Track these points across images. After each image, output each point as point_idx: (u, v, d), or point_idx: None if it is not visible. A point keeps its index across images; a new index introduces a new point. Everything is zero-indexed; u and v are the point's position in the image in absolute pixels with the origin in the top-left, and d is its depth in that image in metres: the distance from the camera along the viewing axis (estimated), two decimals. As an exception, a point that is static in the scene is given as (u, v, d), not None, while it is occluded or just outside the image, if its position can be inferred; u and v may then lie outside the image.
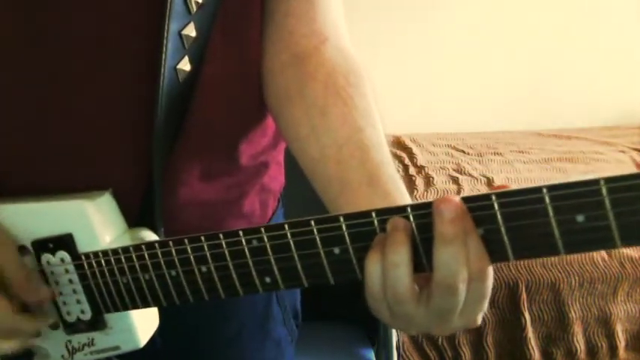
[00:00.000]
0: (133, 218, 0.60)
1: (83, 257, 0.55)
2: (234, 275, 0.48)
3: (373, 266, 0.43)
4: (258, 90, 0.64)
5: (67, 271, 0.56)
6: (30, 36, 0.55)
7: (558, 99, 2.67)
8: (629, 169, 2.10)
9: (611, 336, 1.62)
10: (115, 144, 0.60)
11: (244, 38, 0.61)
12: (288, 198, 0.82)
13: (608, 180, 0.37)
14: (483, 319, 1.83)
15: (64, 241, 0.56)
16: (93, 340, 0.59)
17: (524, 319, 1.60)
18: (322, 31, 0.61)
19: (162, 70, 0.55)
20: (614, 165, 2.12)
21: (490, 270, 0.43)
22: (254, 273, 0.47)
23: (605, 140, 2.39)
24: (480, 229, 0.41)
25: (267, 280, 0.47)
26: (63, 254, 0.56)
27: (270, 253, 0.46)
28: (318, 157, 0.57)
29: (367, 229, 0.43)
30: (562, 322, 1.61)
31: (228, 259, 0.48)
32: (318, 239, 0.44)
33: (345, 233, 0.44)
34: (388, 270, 0.42)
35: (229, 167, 0.66)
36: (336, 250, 0.44)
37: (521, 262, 1.61)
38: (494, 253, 0.41)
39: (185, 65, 0.57)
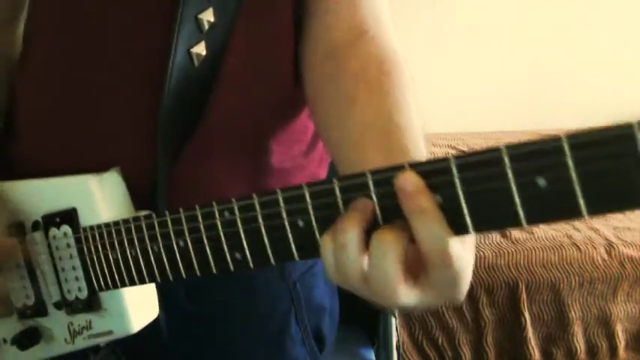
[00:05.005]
0: (144, 202, 0.61)
1: (81, 231, 0.57)
2: (207, 249, 0.48)
3: (326, 246, 0.41)
4: (283, 88, 0.64)
5: (68, 245, 0.58)
6: (63, 22, 0.58)
7: (558, 99, 2.67)
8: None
9: (611, 336, 1.62)
10: (128, 126, 0.61)
11: (270, 31, 0.61)
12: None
13: (572, 136, 0.32)
14: (483, 319, 1.82)
15: (69, 216, 0.58)
16: (90, 322, 0.60)
17: (524, 319, 1.60)
18: (361, 25, 0.60)
19: (173, 49, 0.56)
20: (614, 165, 2.12)
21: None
22: (225, 247, 0.47)
23: (605, 140, 2.39)
24: (438, 195, 0.37)
25: (238, 255, 0.47)
26: (66, 228, 0.58)
27: (239, 225, 0.46)
28: (341, 142, 0.56)
29: (329, 199, 0.41)
30: (562, 322, 1.61)
31: (202, 231, 0.48)
32: (283, 209, 0.43)
33: (309, 203, 0.42)
34: (337, 251, 0.41)
35: (252, 165, 0.65)
36: (300, 223, 0.43)
37: (521, 262, 1.61)
38: (453, 224, 0.37)
39: (201, 50, 0.57)
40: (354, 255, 0.40)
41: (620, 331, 1.63)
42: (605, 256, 1.63)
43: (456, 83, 2.63)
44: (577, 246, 1.65)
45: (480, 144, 2.40)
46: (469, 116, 2.66)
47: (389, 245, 0.39)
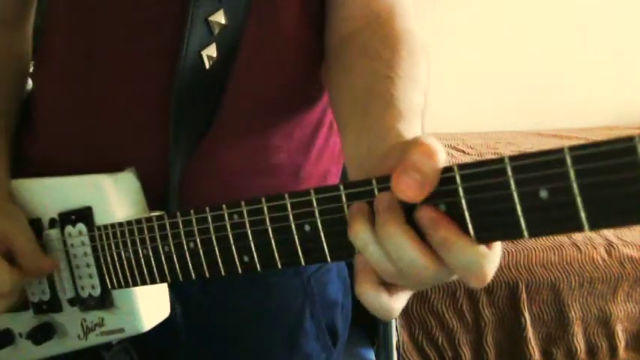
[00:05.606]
0: (157, 201, 0.61)
1: (96, 230, 0.58)
2: (216, 251, 0.49)
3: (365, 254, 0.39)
4: (295, 84, 0.64)
5: (83, 243, 0.59)
6: (76, 23, 0.59)
7: (558, 99, 2.68)
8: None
9: (611, 336, 1.62)
10: (141, 126, 0.61)
11: (281, 29, 0.61)
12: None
13: (573, 148, 0.33)
14: (483, 319, 1.81)
15: (84, 214, 0.59)
16: (103, 319, 0.61)
17: (524, 319, 1.60)
18: (375, 11, 0.59)
19: (183, 52, 0.56)
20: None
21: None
22: (233, 249, 0.48)
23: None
24: (442, 204, 0.38)
25: (245, 258, 0.48)
26: (81, 227, 0.59)
27: (248, 227, 0.46)
28: (339, 105, 0.56)
29: (336, 205, 0.42)
30: (562, 322, 1.61)
31: (212, 232, 0.49)
32: (290, 213, 0.44)
33: (315, 208, 0.43)
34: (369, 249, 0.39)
35: (264, 161, 0.65)
36: (307, 227, 0.44)
37: (521, 262, 1.61)
38: None
39: (212, 52, 0.58)
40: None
41: (620, 331, 1.63)
42: (605, 256, 1.63)
43: (456, 83, 2.63)
44: (577, 246, 1.65)
45: (479, 144, 2.40)
46: (469, 116, 2.66)
47: (398, 238, 0.37)
